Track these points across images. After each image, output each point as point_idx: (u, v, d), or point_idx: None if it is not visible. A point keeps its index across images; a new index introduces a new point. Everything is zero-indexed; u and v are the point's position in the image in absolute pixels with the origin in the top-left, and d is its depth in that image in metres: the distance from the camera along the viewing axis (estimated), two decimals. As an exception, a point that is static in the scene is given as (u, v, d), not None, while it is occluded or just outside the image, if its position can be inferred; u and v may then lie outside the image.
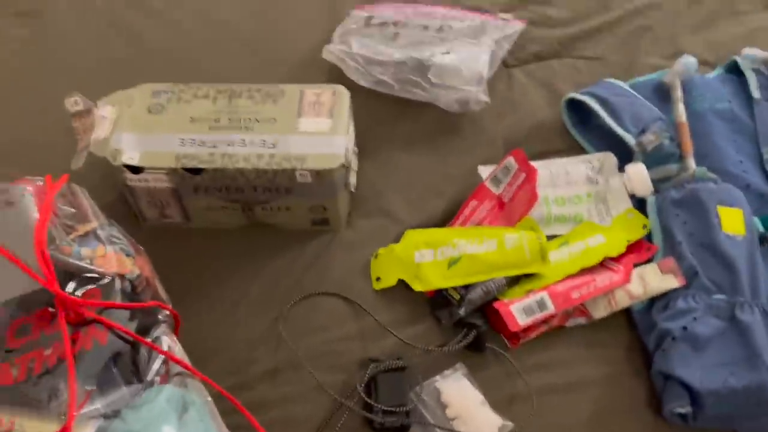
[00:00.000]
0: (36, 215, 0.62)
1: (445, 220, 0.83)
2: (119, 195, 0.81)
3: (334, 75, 0.92)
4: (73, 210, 0.69)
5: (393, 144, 0.89)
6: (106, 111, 0.80)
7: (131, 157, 0.75)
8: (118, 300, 0.62)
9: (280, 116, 0.78)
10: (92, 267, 0.62)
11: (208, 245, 0.82)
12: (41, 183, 0.68)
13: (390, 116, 0.91)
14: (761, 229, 0.77)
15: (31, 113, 0.92)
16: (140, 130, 0.77)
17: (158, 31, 1.03)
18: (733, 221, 0.74)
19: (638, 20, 1.01)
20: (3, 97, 0.96)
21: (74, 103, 0.79)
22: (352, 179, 0.83)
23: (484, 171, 0.83)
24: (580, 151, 0.88)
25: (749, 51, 0.91)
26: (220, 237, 0.82)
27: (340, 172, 0.76)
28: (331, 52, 0.91)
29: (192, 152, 0.76)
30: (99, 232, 0.68)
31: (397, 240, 0.80)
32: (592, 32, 1.00)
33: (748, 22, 1.00)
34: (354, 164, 0.85)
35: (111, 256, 0.65)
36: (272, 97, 0.80)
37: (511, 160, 0.79)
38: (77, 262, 0.62)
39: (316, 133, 0.77)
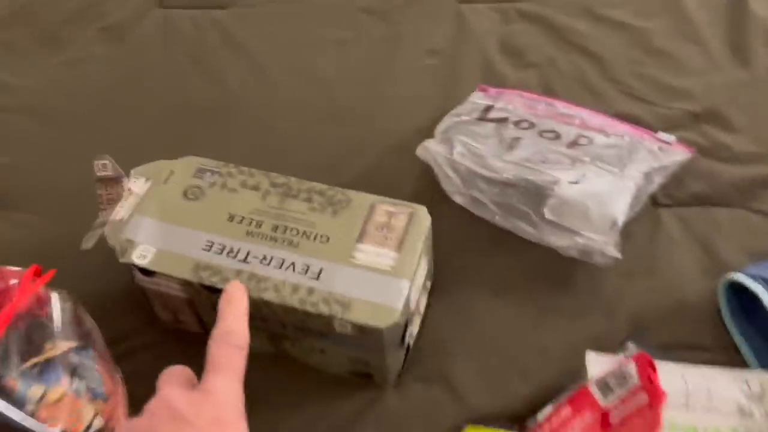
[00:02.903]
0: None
1: (525, 412, 0.61)
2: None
3: (427, 177, 0.73)
4: (47, 318, 0.55)
5: (477, 286, 0.68)
6: (136, 185, 0.65)
7: (143, 256, 0.60)
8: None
9: (336, 235, 0.60)
10: (27, 426, 0.47)
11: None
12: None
13: (483, 248, 0.71)
14: None
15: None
16: (166, 218, 0.62)
17: (246, 79, 0.89)
18: None
19: None
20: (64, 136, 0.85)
21: (101, 167, 0.65)
22: (413, 329, 0.64)
23: (594, 362, 0.61)
24: (733, 355, 0.63)
25: None
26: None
27: (394, 329, 0.57)
28: (428, 150, 0.72)
29: (216, 263, 0.59)
30: (72, 357, 0.54)
31: (454, 424, 0.60)
32: (784, 179, 0.74)
33: None
34: (421, 306, 0.66)
35: (66, 402, 0.51)
36: (334, 205, 0.62)
37: (631, 368, 0.56)
38: (9, 414, 0.47)
39: (374, 269, 0.58)
